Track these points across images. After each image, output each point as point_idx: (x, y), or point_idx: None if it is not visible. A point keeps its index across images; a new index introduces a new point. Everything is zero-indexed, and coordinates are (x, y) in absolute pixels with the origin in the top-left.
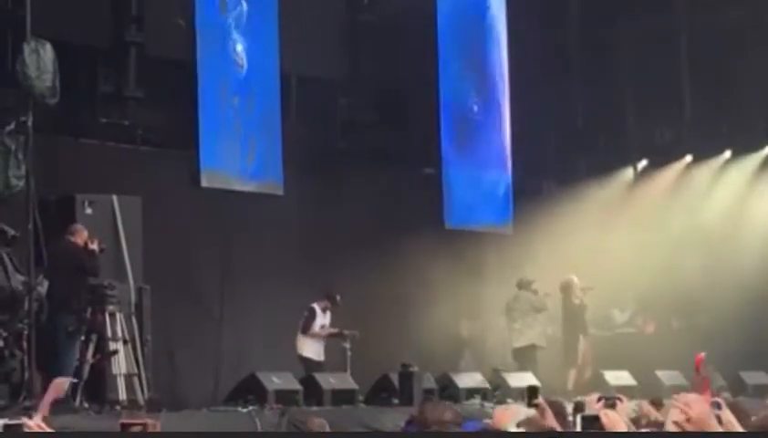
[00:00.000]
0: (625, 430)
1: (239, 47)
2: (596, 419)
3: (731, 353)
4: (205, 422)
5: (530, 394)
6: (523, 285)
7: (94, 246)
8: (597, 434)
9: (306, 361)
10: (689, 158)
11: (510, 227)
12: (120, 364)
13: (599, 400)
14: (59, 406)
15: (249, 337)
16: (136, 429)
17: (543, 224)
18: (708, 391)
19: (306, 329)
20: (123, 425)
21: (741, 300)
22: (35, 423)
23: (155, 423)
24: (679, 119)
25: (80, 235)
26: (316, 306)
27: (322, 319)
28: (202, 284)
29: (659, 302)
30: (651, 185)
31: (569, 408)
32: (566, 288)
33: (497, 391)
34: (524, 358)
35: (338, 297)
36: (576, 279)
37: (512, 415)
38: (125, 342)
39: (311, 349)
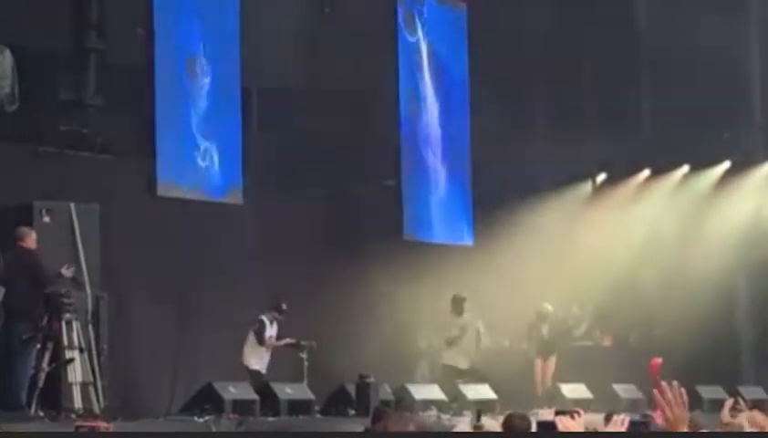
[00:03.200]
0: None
1: (200, 57)
2: (551, 425)
3: (687, 367)
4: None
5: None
6: (452, 306)
7: (67, 273)
8: (607, 435)
9: (254, 374)
10: (647, 172)
11: (470, 239)
12: (76, 372)
13: (556, 414)
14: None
15: (206, 346)
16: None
17: (503, 236)
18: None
19: (261, 341)
20: (77, 428)
21: (698, 315)
22: None
23: (108, 426)
24: (638, 134)
25: (30, 239)
26: (264, 317)
27: (270, 330)
28: (159, 293)
29: (616, 315)
30: (610, 199)
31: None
32: (542, 317)
33: (454, 404)
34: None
35: (284, 306)
36: (550, 309)
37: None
38: (81, 350)
39: (258, 361)
